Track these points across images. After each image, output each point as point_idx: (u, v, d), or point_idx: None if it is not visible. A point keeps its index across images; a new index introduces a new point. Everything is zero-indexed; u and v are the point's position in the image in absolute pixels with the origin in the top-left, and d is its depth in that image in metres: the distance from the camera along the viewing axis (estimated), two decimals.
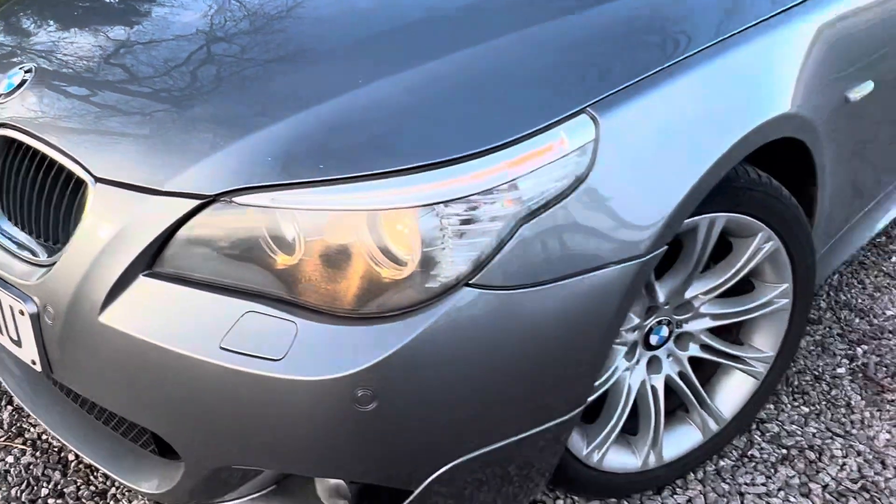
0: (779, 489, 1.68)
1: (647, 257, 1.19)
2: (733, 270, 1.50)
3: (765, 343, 1.64)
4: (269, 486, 1.30)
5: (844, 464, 1.74)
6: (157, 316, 1.16)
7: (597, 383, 1.45)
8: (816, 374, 2.01)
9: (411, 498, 1.19)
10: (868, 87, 1.65)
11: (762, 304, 1.58)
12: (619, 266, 1.16)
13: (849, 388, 1.96)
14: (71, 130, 1.29)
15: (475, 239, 1.09)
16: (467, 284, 1.08)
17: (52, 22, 1.63)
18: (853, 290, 2.35)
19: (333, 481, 1.22)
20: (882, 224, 2.14)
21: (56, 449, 1.79)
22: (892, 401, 1.92)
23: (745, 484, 1.69)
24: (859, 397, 1.93)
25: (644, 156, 1.19)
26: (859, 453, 1.77)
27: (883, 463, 1.74)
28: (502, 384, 1.13)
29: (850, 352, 2.09)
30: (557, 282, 1.12)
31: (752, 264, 1.50)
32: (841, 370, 2.02)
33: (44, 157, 1.30)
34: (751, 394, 1.67)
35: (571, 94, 1.15)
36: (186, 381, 1.14)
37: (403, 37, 1.30)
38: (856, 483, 1.69)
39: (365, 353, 1.06)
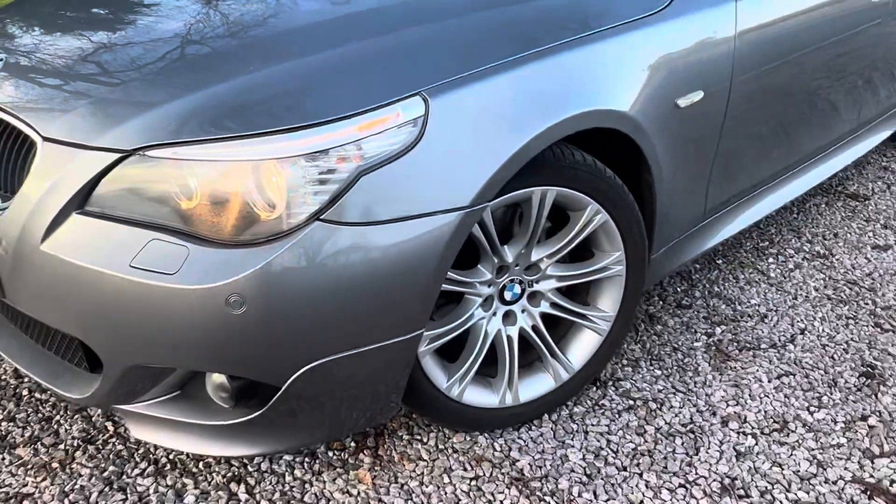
0: (619, 429, 1.99)
1: (471, 209, 1.52)
2: (569, 237, 1.82)
3: (606, 304, 1.97)
4: (174, 391, 1.62)
5: (679, 412, 2.05)
6: (85, 244, 1.49)
7: (454, 325, 1.77)
8: (676, 346, 2.33)
9: (279, 394, 1.50)
10: (697, 95, 2.00)
11: (599, 268, 1.91)
12: (445, 214, 1.49)
13: (700, 357, 2.28)
14: (29, 103, 1.62)
15: (327, 186, 1.42)
16: (318, 219, 1.41)
17: (21, 25, 1.99)
18: (727, 284, 2.67)
19: (218, 379, 1.54)
20: (734, 229, 2.46)
21: (13, 386, 2.10)
22: (735, 367, 2.23)
23: (592, 425, 2.00)
24: (707, 364, 2.24)
25: (469, 129, 1.52)
26: (695, 405, 2.08)
27: (713, 413, 2.05)
28: (346, 301, 1.45)
29: (709, 330, 2.41)
30: (392, 222, 1.45)
31: (585, 233, 1.83)
32: (698, 344, 2.34)
33: (4, 123, 1.64)
34: (596, 348, 1.99)
35: (410, 80, 1.50)
36: (105, 293, 1.46)
37: (292, 37, 1.65)
38: (685, 427, 2.00)
39: (236, 268, 1.39)
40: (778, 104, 2.35)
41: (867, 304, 2.57)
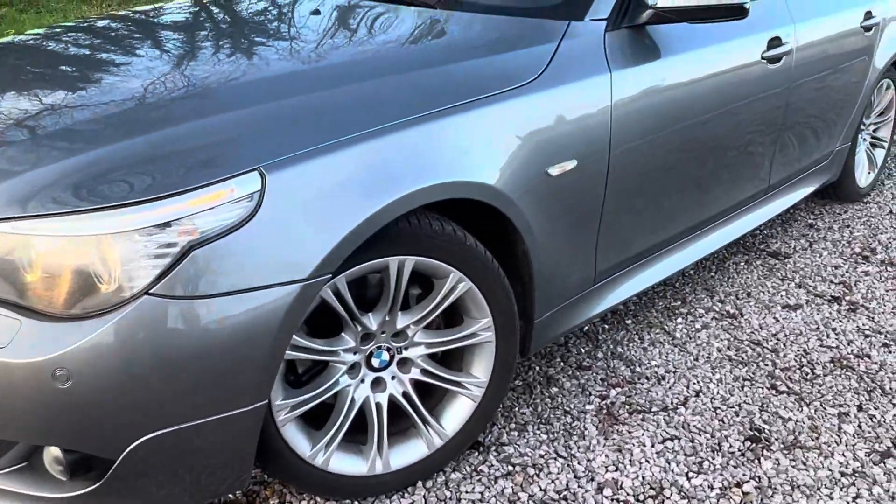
0: (492, 496, 1.98)
1: (309, 281, 1.54)
2: (433, 305, 1.85)
3: (479, 370, 1.98)
4: (20, 463, 1.61)
5: (557, 478, 2.05)
6: None
7: (316, 392, 1.78)
8: (567, 409, 2.33)
9: (114, 467, 1.50)
10: (570, 164, 2.04)
11: (468, 335, 1.92)
12: (282, 287, 1.51)
13: (589, 421, 2.28)
14: None
15: (158, 260, 1.44)
16: (148, 293, 1.43)
17: None
18: (632, 344, 2.69)
19: (55, 452, 1.54)
20: (630, 291, 2.47)
21: None
22: (621, 431, 2.24)
23: (466, 492, 1.99)
24: (595, 428, 2.25)
25: (310, 203, 1.54)
26: (573, 471, 2.08)
27: (591, 479, 2.05)
28: (178, 373, 1.46)
29: (604, 393, 2.42)
30: (225, 295, 1.47)
31: (448, 300, 1.85)
32: (590, 407, 2.35)
33: None
34: (470, 414, 2.00)
35: (248, 156, 1.53)
36: None
37: (150, 109, 1.69)
38: (559, 494, 2.00)
39: (63, 342, 1.40)
40: (668, 172, 2.39)
41: (767, 365, 2.59)
